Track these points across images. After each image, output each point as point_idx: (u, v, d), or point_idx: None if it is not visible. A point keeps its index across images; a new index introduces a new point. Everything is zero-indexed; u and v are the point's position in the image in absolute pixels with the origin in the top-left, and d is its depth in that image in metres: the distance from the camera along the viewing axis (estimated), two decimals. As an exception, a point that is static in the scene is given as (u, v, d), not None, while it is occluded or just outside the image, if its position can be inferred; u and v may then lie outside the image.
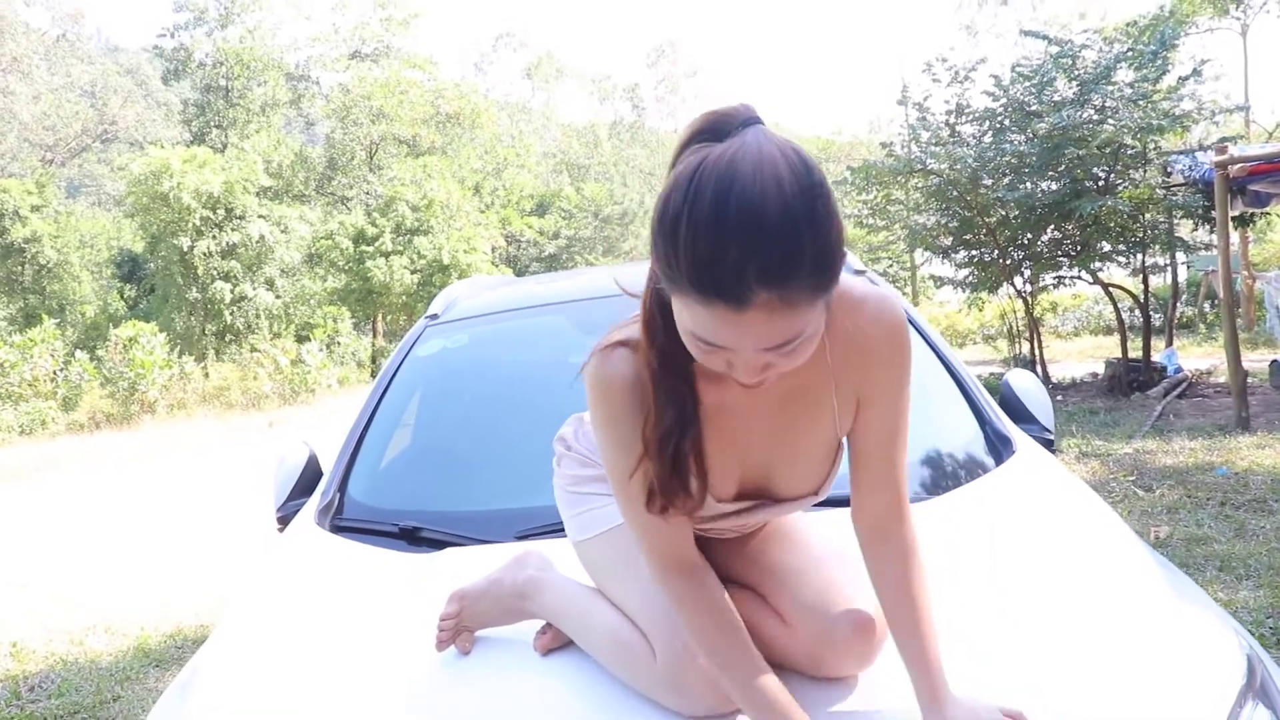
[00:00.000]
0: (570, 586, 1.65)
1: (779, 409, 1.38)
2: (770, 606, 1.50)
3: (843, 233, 1.10)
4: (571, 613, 1.59)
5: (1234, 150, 9.00)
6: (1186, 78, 11.14)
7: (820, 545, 1.58)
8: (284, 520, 2.76)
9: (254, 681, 1.72)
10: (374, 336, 30.57)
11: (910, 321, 2.76)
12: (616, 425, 1.35)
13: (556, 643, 1.61)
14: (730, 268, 1.03)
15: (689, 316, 1.12)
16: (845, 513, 1.70)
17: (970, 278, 12.94)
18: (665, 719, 1.38)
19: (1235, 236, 13.81)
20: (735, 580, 1.56)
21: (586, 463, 1.70)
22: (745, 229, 1.02)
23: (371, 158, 35.03)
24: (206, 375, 21.79)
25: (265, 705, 1.62)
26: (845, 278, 1.24)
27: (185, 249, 26.53)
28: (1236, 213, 10.98)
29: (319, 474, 2.85)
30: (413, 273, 28.44)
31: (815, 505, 1.54)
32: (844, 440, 1.45)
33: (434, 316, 3.16)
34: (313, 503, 2.54)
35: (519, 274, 30.80)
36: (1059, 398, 11.32)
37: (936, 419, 2.51)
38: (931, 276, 14.33)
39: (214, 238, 26.81)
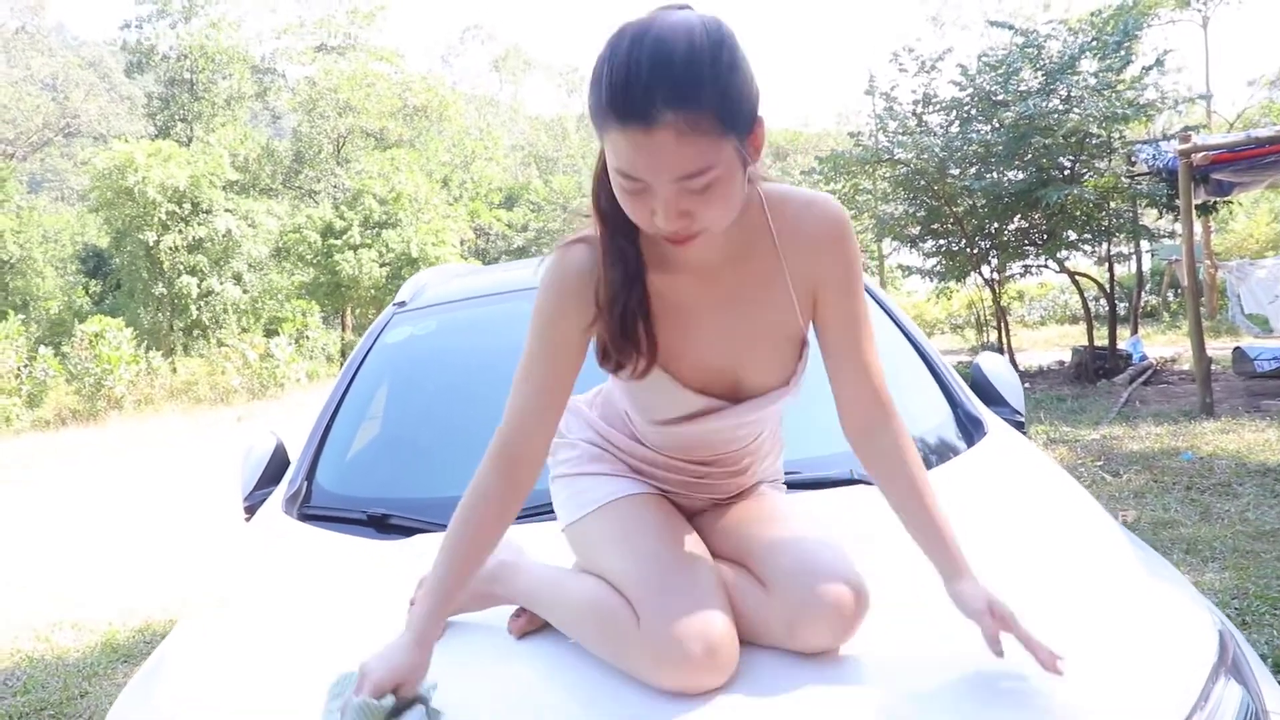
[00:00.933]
0: (543, 568, 1.63)
1: (731, 300, 1.45)
2: (752, 575, 1.48)
3: (752, 84, 1.24)
4: (545, 592, 1.56)
5: (1197, 139, 9.09)
6: (1150, 68, 11.25)
7: (804, 524, 1.58)
8: (251, 509, 2.73)
9: (220, 670, 1.69)
10: (343, 330, 30.39)
11: (881, 304, 2.78)
12: (555, 321, 1.43)
13: (531, 626, 1.59)
14: (640, 89, 1.16)
15: (612, 155, 1.23)
16: (827, 495, 1.68)
17: (938, 267, 13.01)
18: (643, 701, 1.35)
19: (1198, 225, 13.94)
20: (720, 556, 1.56)
21: (577, 445, 1.70)
22: (655, 58, 1.17)
23: (339, 151, 34.77)
24: (174, 370, 21.58)
25: (232, 694, 1.60)
26: (790, 186, 1.46)
27: (151, 244, 26.25)
28: (1200, 201, 11.09)
29: (286, 462, 2.82)
30: (381, 266, 28.28)
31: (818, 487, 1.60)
32: (809, 337, 1.51)
33: (402, 304, 3.13)
34: (280, 491, 2.51)
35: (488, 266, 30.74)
36: (1027, 385, 11.41)
37: (908, 402, 2.50)
38: (900, 266, 14.38)
39: (180, 232, 26.54)
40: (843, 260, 1.46)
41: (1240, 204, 18.54)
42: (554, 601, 1.54)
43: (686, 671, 1.31)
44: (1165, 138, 12.11)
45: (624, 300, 1.39)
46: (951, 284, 13.38)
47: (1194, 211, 9.61)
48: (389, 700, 1.34)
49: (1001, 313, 13.51)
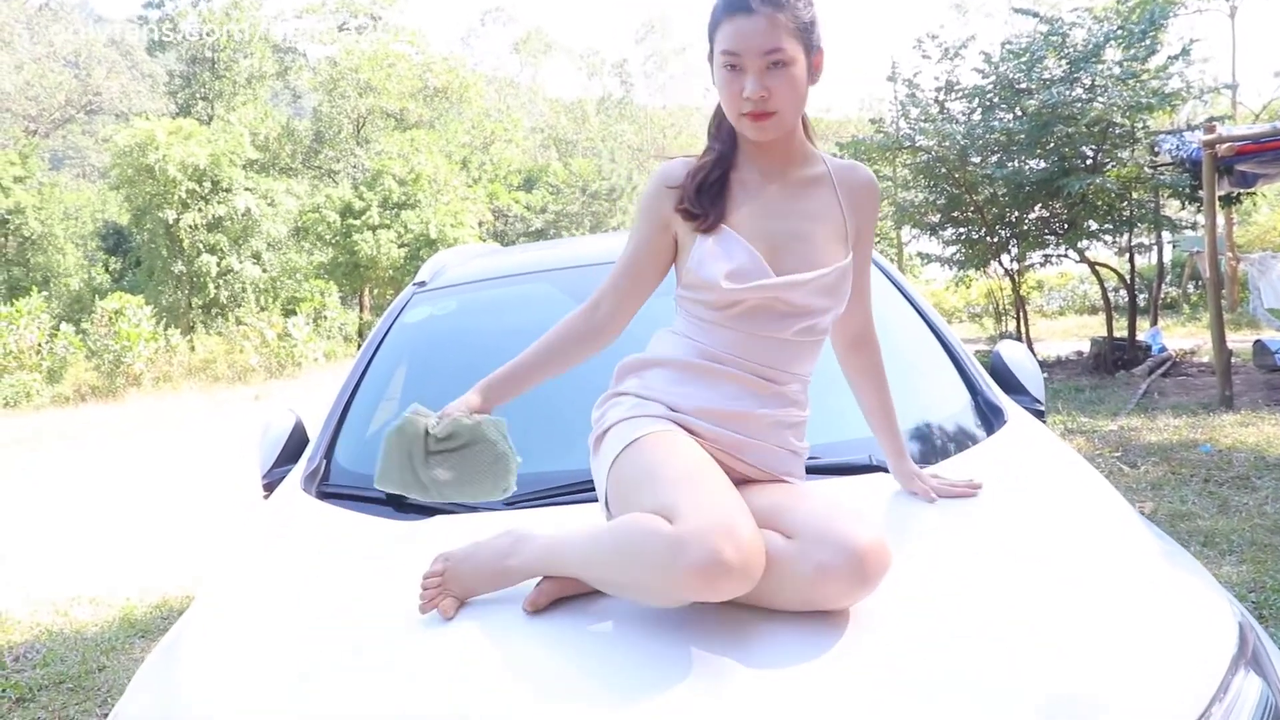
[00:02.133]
0: (555, 533, 1.67)
1: (789, 194, 1.83)
2: (779, 532, 1.53)
3: (817, 22, 1.76)
4: (561, 546, 1.61)
5: (1222, 130, 9.02)
6: (1175, 57, 11.13)
7: (830, 497, 1.67)
8: (270, 487, 2.74)
9: (240, 645, 1.70)
10: (360, 310, 30.44)
11: (901, 290, 2.78)
12: (646, 203, 1.86)
13: (547, 599, 1.59)
14: None
15: (720, 41, 1.71)
16: (846, 481, 1.67)
17: (957, 255, 12.94)
18: (656, 680, 1.35)
19: (1221, 217, 13.84)
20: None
21: (625, 398, 1.83)
22: None
23: (359, 131, 34.77)
24: (192, 348, 21.66)
25: (252, 668, 1.60)
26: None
27: (171, 222, 26.34)
28: (1223, 192, 10.99)
29: (305, 441, 2.83)
30: (400, 246, 28.31)
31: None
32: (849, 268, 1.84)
33: (421, 284, 3.14)
34: (299, 469, 2.52)
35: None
36: (1045, 375, 11.27)
37: (928, 389, 2.51)
38: (919, 254, 14.30)
39: (200, 210, 26.63)
40: (874, 212, 1.92)
41: (1264, 196, 18.40)
42: (570, 547, 1.59)
43: (714, 573, 1.36)
44: (1189, 128, 11.98)
45: (707, 172, 1.80)
46: (971, 272, 13.31)
47: (1217, 203, 9.54)
48: (433, 419, 1.83)
49: (1020, 302, 13.44)
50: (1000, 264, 12.84)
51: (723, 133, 1.84)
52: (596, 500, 1.89)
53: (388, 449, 1.80)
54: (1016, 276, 13.13)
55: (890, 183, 13.95)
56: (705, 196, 1.79)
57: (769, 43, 1.67)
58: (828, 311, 1.80)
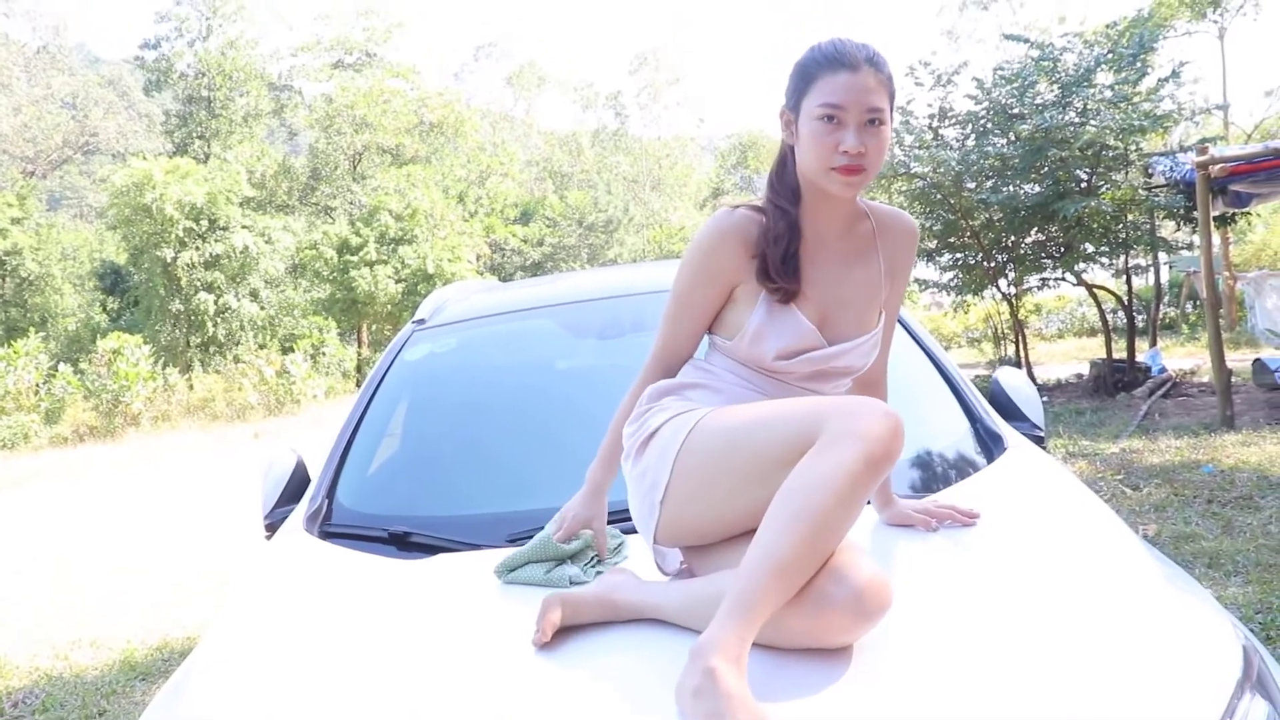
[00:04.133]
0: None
1: (843, 260, 1.86)
2: None
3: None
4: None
5: (1214, 151, 9.06)
6: (1166, 79, 11.21)
7: None
8: (272, 527, 2.74)
9: (243, 689, 1.69)
10: (359, 346, 30.45)
11: (901, 322, 2.79)
12: (710, 261, 1.82)
13: (552, 627, 1.59)
14: (851, 52, 1.73)
15: (820, 94, 1.73)
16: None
17: (955, 281, 12.97)
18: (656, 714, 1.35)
19: (1216, 237, 13.88)
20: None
21: (658, 407, 1.81)
22: (852, 42, 1.76)
23: (355, 167, 34.88)
24: (191, 387, 21.65)
25: (258, 709, 1.60)
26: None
27: (168, 260, 26.38)
28: (1217, 213, 11.04)
29: (307, 480, 2.83)
30: (397, 282, 28.35)
31: None
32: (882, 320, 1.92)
33: (421, 321, 3.14)
34: (301, 509, 2.52)
35: (504, 281, 30.78)
36: (1045, 399, 11.35)
37: (928, 417, 2.51)
38: (916, 280, 14.34)
39: (197, 249, 26.66)
40: (910, 259, 1.97)
41: (1259, 215, 18.46)
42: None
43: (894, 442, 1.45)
44: (1182, 149, 12.05)
45: (787, 240, 1.78)
46: (969, 297, 13.34)
47: (1212, 223, 9.57)
48: (574, 544, 1.89)
49: (1019, 326, 13.46)
50: (998, 288, 12.87)
51: (786, 187, 1.84)
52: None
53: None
54: (1014, 300, 13.16)
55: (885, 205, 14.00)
56: (790, 267, 1.79)
57: (872, 101, 1.71)
58: (865, 367, 1.90)
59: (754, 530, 1.46)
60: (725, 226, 1.81)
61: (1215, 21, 26.37)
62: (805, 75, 1.77)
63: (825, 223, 1.85)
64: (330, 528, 2.35)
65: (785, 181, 1.84)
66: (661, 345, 1.89)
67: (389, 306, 28.36)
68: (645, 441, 1.75)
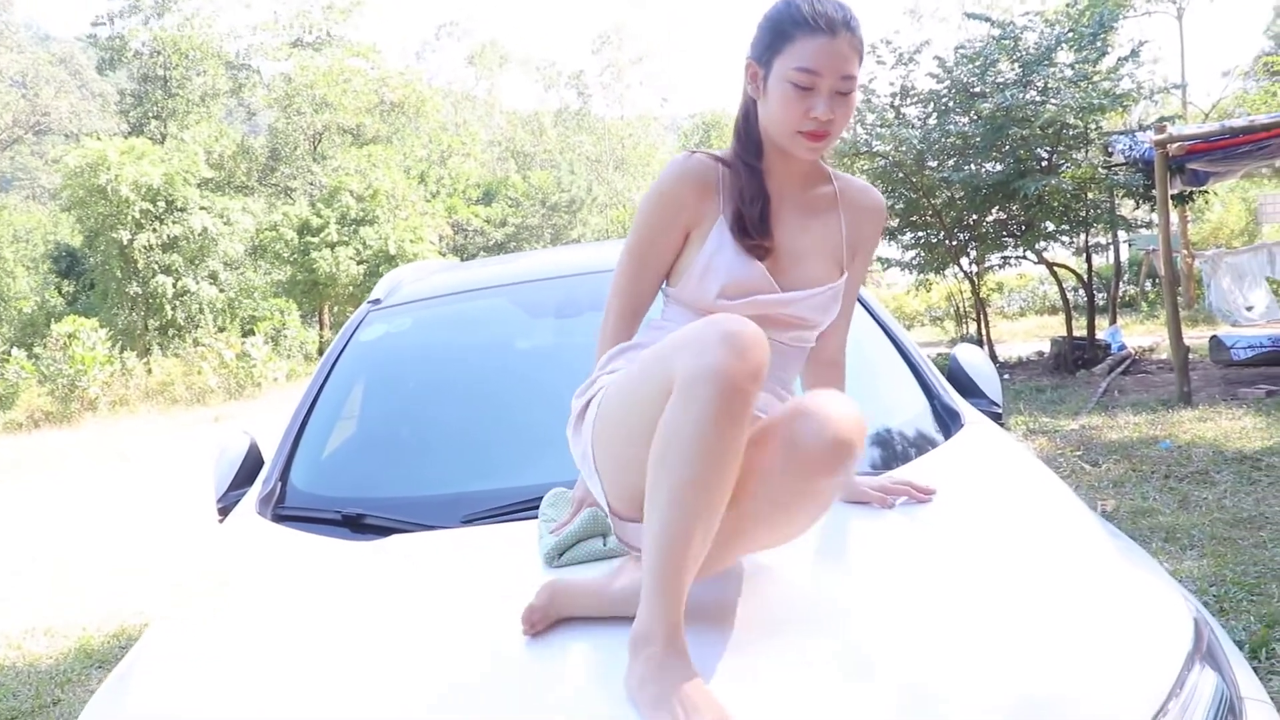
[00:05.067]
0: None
1: (799, 214, 1.84)
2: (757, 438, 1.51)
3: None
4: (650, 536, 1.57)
5: (1172, 129, 9.14)
6: (1125, 59, 11.29)
7: None
8: (225, 511, 2.70)
9: (192, 674, 1.66)
10: (320, 329, 30.19)
11: (860, 300, 2.79)
12: (668, 202, 1.79)
13: (545, 621, 1.53)
14: (830, 14, 1.69)
15: (796, 56, 1.69)
16: None
17: (917, 259, 13.03)
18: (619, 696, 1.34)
19: (1174, 215, 14.02)
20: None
21: (603, 370, 1.79)
22: (834, 2, 1.71)
23: (315, 148, 34.49)
24: (149, 371, 21.37)
25: (203, 699, 1.57)
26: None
27: (125, 242, 25.98)
28: (1175, 191, 11.13)
29: (260, 463, 2.79)
30: (359, 263, 28.10)
31: None
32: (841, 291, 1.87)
33: (377, 301, 3.10)
34: (254, 492, 2.48)
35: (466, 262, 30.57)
36: (1006, 376, 11.44)
37: (886, 394, 2.51)
38: (879, 258, 14.39)
39: (154, 231, 26.27)
40: (876, 235, 1.95)
41: (1216, 194, 18.67)
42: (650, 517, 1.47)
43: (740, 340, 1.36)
44: (1141, 128, 12.14)
45: (763, 200, 1.78)
46: (931, 276, 13.40)
47: (1170, 201, 9.66)
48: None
49: (980, 304, 13.55)
50: (959, 267, 12.94)
51: (752, 141, 1.82)
52: None
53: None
54: (976, 279, 13.24)
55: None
56: (766, 225, 1.78)
57: (847, 68, 1.70)
58: (816, 326, 1.85)
59: None
60: (683, 170, 1.79)
61: (1174, 2, 26.62)
62: (780, 32, 1.72)
63: (784, 177, 1.83)
64: (283, 510, 2.32)
65: (750, 135, 1.82)
66: (620, 300, 1.85)
67: (350, 288, 28.10)
68: (582, 411, 1.71)
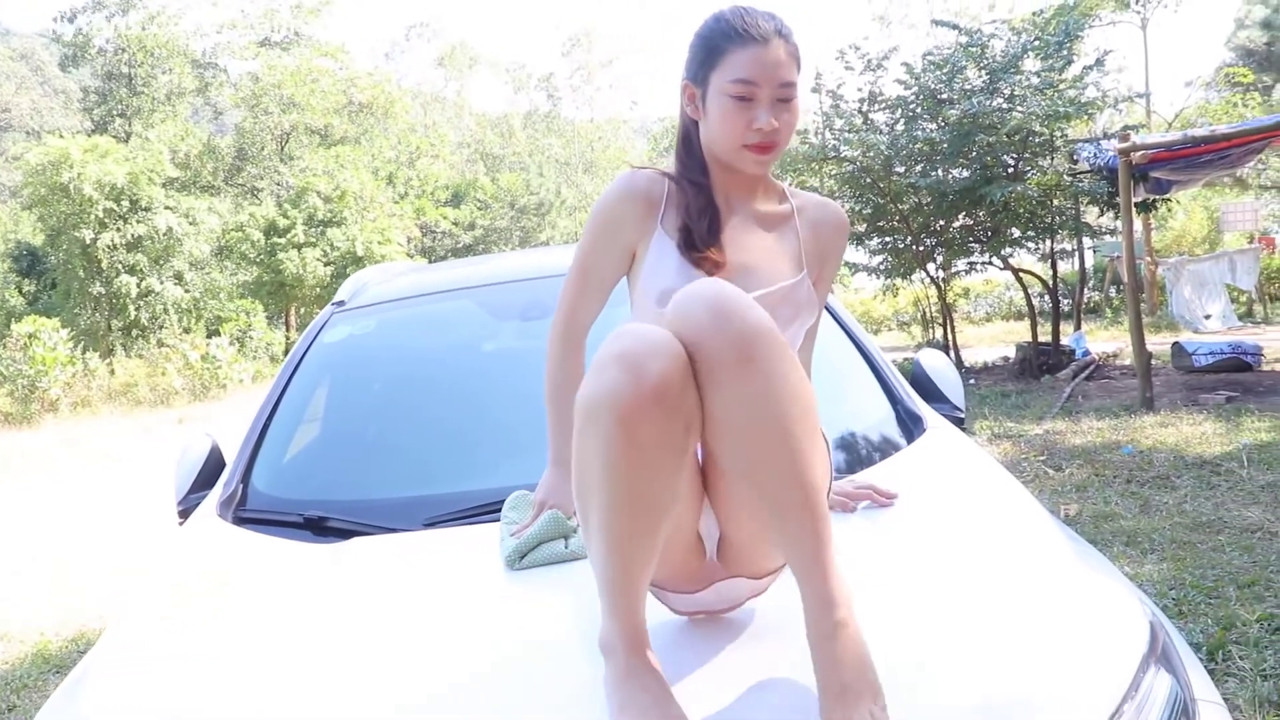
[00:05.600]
0: None
1: (748, 228, 1.78)
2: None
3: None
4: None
5: (1136, 138, 9.25)
6: (1090, 67, 11.42)
7: None
8: (185, 513, 2.67)
9: (147, 679, 1.64)
10: (287, 330, 29.96)
11: (825, 306, 2.80)
12: (613, 219, 1.75)
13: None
14: (760, 23, 1.65)
15: (731, 69, 1.65)
16: None
17: (884, 264, 13.10)
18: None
19: (1138, 223, 14.19)
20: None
21: None
22: (757, 11, 1.68)
23: (282, 148, 34.23)
24: (112, 372, 21.12)
25: (161, 701, 1.55)
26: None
27: (88, 242, 25.67)
28: (1139, 199, 11.28)
29: (222, 465, 2.77)
30: (326, 265, 27.91)
31: None
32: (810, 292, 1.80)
33: (341, 303, 3.08)
34: (215, 494, 2.46)
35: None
36: (972, 381, 11.53)
37: (849, 399, 2.52)
38: (846, 263, 14.46)
39: (118, 230, 25.98)
40: (839, 251, 1.89)
41: (1179, 202, 18.89)
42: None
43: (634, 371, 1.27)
44: (1106, 136, 12.28)
45: (710, 215, 1.72)
46: (898, 281, 13.49)
47: (1134, 209, 9.77)
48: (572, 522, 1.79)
49: (947, 309, 13.65)
50: (926, 272, 13.02)
51: (695, 160, 1.78)
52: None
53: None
54: (942, 284, 13.33)
55: (817, 193, 14.12)
56: (716, 240, 1.72)
57: (785, 75, 1.66)
58: (783, 328, 1.67)
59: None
60: (627, 187, 1.75)
61: (1138, 12, 26.87)
62: (711, 48, 1.69)
63: (733, 192, 1.78)
64: (244, 513, 2.30)
65: (694, 156, 1.78)
66: (562, 313, 1.83)
67: (318, 289, 27.91)
68: None
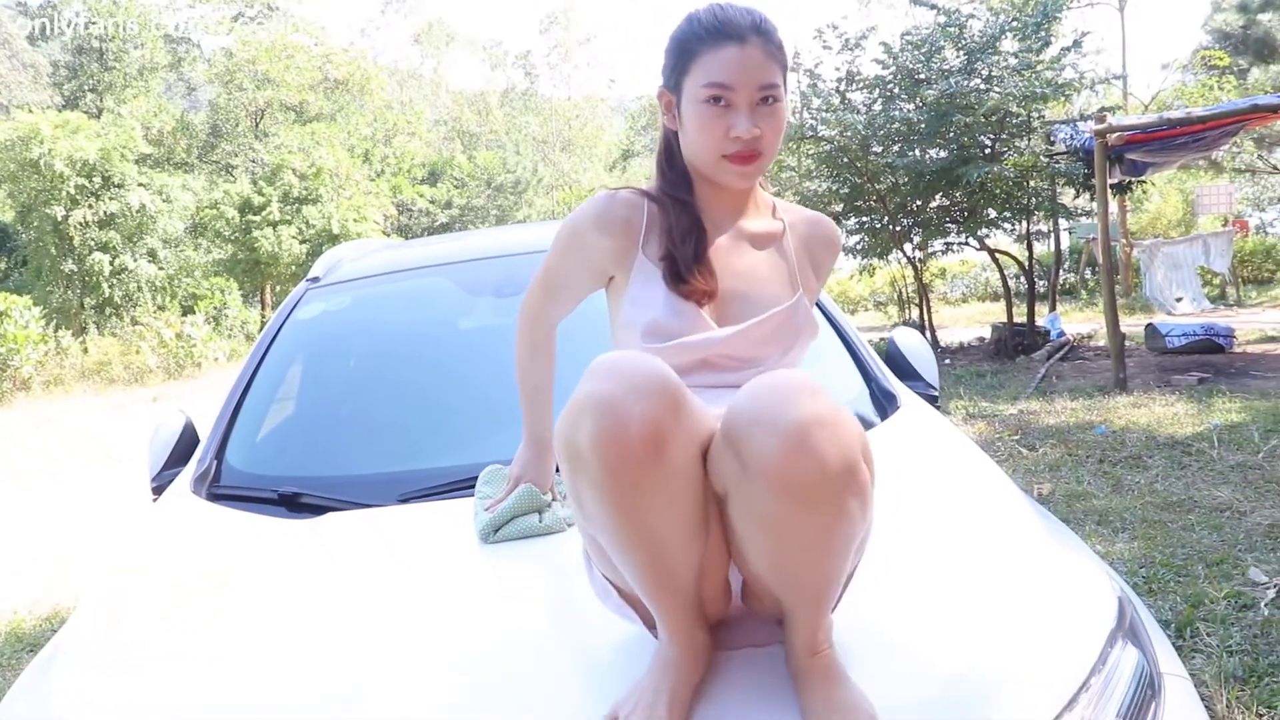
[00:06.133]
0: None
1: (738, 247, 1.66)
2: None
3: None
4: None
5: (1112, 120, 9.28)
6: (1068, 49, 11.45)
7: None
8: (159, 490, 2.66)
9: (119, 657, 1.64)
10: (262, 308, 29.78)
11: None
12: (577, 247, 1.65)
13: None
14: (735, 20, 1.54)
15: (704, 73, 1.53)
16: None
17: (861, 244, 13.13)
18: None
19: (1114, 205, 14.27)
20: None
21: None
22: (734, 8, 1.56)
23: (257, 124, 33.95)
24: (85, 350, 20.93)
25: (133, 679, 1.55)
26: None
27: (59, 219, 25.39)
28: (1115, 181, 11.34)
29: (196, 442, 2.75)
30: (301, 242, 27.75)
31: None
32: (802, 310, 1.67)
33: (315, 279, 3.07)
34: (188, 471, 2.45)
35: (412, 244, 30.24)
36: (947, 361, 11.59)
37: (823, 376, 2.52)
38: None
39: (90, 207, 25.71)
40: (830, 264, 1.79)
41: (1154, 184, 19.02)
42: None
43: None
44: (1082, 118, 12.34)
45: (695, 236, 1.60)
46: (875, 261, 13.52)
47: (1109, 191, 9.82)
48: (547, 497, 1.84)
49: (923, 290, 13.71)
50: (903, 252, 13.06)
51: (677, 174, 1.65)
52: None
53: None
54: (919, 265, 13.37)
55: (794, 173, 14.09)
56: (704, 265, 1.58)
57: (764, 77, 1.53)
58: (763, 362, 1.58)
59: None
60: (603, 213, 1.62)
61: (1115, -7, 26.98)
62: (684, 51, 1.57)
63: (720, 210, 1.66)
64: (218, 489, 2.29)
65: (676, 169, 1.66)
66: (528, 317, 1.81)
67: (293, 267, 27.74)
68: None
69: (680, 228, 1.60)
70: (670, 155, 1.67)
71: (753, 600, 1.41)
